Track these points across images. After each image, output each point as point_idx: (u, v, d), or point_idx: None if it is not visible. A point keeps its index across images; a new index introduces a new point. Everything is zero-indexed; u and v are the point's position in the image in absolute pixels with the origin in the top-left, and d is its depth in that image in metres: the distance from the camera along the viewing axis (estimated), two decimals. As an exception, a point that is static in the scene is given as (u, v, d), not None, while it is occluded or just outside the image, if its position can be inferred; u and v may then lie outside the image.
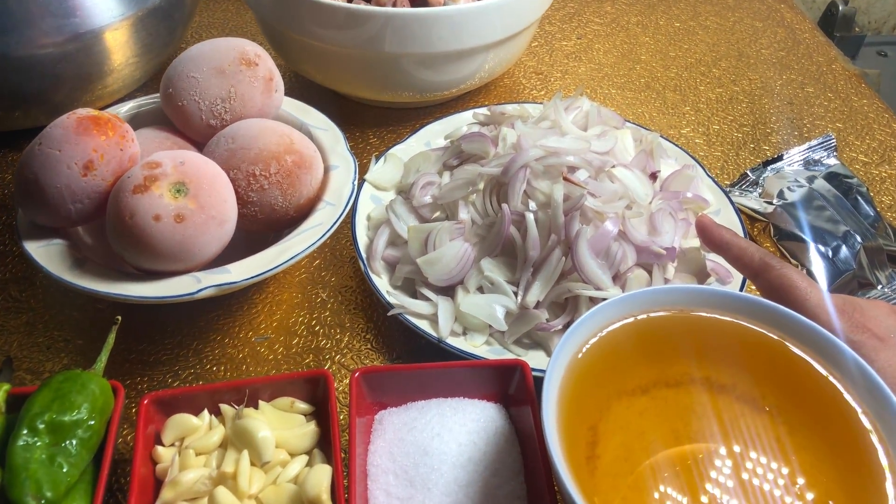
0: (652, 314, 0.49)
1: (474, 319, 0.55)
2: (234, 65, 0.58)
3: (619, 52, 0.92)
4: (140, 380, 0.55)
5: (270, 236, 0.61)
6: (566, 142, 0.59)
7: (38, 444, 0.42)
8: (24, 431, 0.42)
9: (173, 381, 0.55)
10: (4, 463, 0.42)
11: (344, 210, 0.56)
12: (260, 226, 0.56)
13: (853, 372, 0.45)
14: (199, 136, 0.59)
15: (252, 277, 0.51)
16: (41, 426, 0.42)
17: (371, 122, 0.79)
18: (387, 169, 0.67)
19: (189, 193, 0.50)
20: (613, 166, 0.58)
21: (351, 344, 0.58)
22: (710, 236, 0.55)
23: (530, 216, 0.55)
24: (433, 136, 0.72)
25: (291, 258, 0.52)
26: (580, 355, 0.46)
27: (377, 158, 0.68)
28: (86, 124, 0.51)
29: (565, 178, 0.55)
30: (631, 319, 0.48)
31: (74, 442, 0.43)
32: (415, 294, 0.58)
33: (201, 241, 0.50)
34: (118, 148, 0.52)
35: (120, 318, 0.50)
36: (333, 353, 0.57)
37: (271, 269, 0.51)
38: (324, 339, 0.58)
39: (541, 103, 0.73)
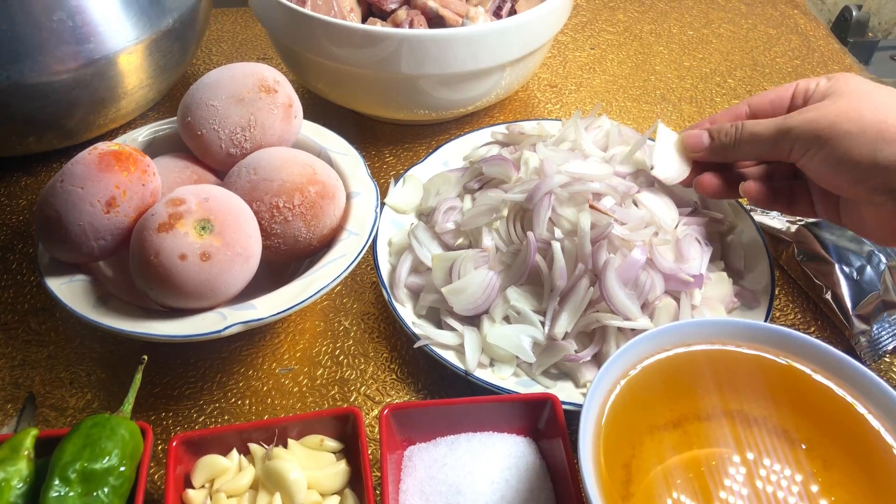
0: (682, 348, 0.49)
1: (501, 351, 0.54)
2: (253, 92, 0.57)
3: (633, 62, 0.91)
4: (165, 416, 0.54)
5: (291, 265, 0.60)
6: (590, 166, 0.59)
7: (71, 494, 0.41)
8: (56, 482, 0.41)
9: (198, 415, 0.55)
10: (36, 512, 0.41)
11: (368, 240, 0.55)
12: (282, 257, 0.56)
13: (889, 405, 0.45)
14: (218, 164, 0.59)
15: (279, 313, 0.50)
16: (73, 475, 0.42)
17: (385, 139, 0.79)
18: (406, 191, 0.67)
19: (214, 230, 0.49)
20: (639, 191, 0.58)
21: (375, 375, 0.57)
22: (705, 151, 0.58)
23: (557, 245, 0.54)
24: (451, 155, 0.71)
25: (317, 292, 0.52)
26: (613, 393, 0.46)
27: (396, 181, 0.67)
28: (108, 160, 0.51)
29: (592, 206, 0.55)
30: (662, 354, 0.48)
31: (107, 490, 0.42)
32: (439, 323, 0.58)
33: (227, 279, 0.50)
34: (140, 183, 0.52)
35: (146, 357, 0.49)
36: (358, 385, 0.57)
37: (297, 304, 0.51)
38: (348, 369, 0.58)
39: (558, 120, 0.72)
